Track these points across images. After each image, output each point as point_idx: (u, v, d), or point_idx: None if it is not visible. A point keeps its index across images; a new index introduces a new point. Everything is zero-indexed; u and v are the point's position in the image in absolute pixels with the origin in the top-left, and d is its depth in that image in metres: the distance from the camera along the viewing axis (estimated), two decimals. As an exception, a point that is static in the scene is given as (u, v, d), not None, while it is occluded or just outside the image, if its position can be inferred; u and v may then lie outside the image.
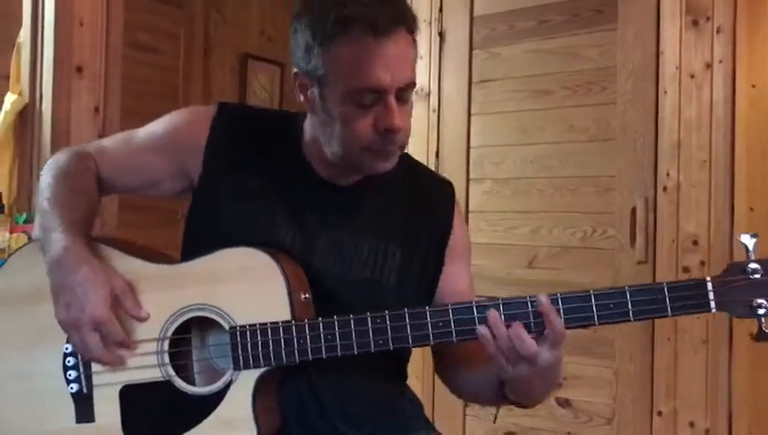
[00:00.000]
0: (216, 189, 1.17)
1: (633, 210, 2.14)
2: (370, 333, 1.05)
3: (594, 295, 1.02)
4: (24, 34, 2.25)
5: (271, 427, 1.10)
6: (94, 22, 2.23)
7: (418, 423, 1.24)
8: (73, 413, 1.12)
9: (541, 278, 2.32)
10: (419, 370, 2.15)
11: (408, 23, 1.06)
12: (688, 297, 1.01)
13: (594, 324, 1.02)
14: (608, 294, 1.02)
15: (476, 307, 1.04)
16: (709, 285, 1.00)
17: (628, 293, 1.02)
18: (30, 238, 2.03)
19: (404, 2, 1.10)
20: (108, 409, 1.11)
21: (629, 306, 1.01)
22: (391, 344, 1.05)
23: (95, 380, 1.12)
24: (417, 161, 1.29)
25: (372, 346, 1.05)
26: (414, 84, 1.09)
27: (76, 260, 1.05)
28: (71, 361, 1.13)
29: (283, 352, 1.06)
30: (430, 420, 1.30)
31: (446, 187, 1.28)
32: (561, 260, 2.30)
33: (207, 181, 1.18)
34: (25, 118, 2.23)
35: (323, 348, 1.06)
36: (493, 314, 1.01)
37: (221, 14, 3.31)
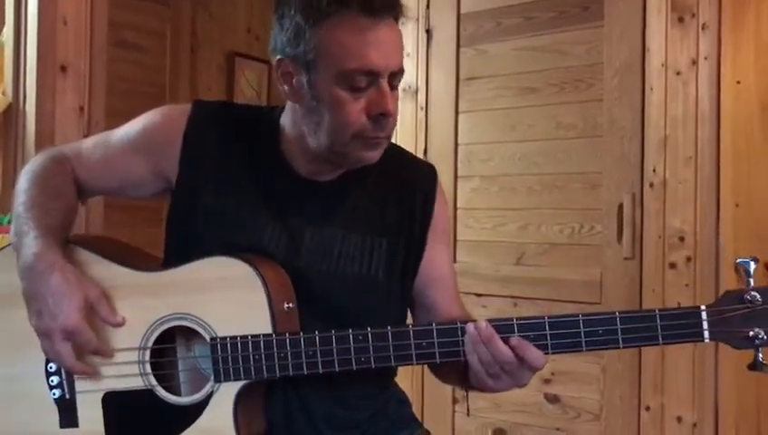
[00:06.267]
0: (195, 190, 1.14)
1: (620, 206, 2.15)
2: (352, 351, 1.02)
3: (583, 321, 0.98)
4: (7, 33, 2.22)
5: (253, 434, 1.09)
6: (78, 20, 2.21)
7: (406, 422, 1.24)
8: (57, 418, 1.11)
9: (529, 275, 2.33)
10: (408, 367, 2.15)
11: (399, 11, 1.07)
12: (681, 326, 0.97)
13: (581, 350, 0.99)
14: (597, 319, 0.98)
15: (460, 328, 1.02)
16: (704, 314, 0.96)
17: (619, 319, 0.97)
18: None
19: None
20: (91, 415, 1.10)
21: (619, 333, 0.97)
22: (373, 363, 1.02)
23: (78, 386, 1.10)
24: (398, 148, 1.26)
25: (354, 364, 1.02)
26: (403, 72, 1.08)
27: (48, 266, 1.02)
28: (52, 366, 1.11)
29: (264, 366, 1.04)
30: (419, 416, 1.29)
31: (428, 169, 1.25)
32: (548, 257, 2.31)
33: (185, 181, 1.15)
34: (9, 118, 2.20)
35: (305, 364, 1.03)
36: (474, 332, 1.00)
37: (208, 12, 3.29)
